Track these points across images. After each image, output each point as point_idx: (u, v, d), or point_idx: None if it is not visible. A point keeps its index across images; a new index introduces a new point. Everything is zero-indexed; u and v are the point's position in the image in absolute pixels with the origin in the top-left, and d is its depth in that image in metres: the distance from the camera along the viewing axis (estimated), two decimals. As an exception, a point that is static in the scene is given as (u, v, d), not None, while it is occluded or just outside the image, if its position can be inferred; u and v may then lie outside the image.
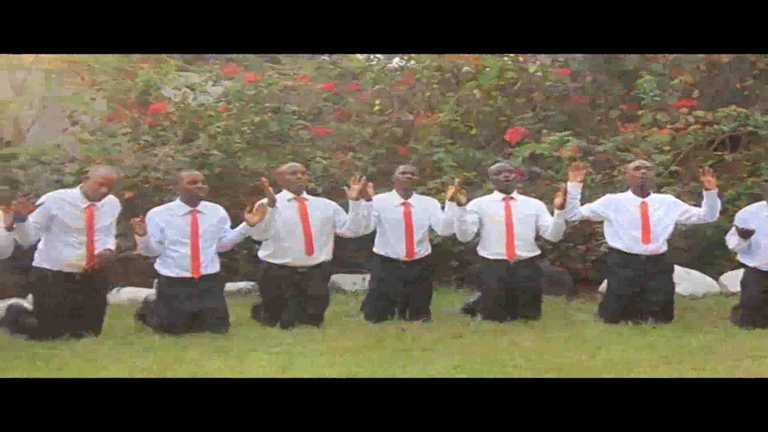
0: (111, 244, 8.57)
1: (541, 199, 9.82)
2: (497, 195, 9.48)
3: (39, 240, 8.41)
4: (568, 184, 9.18)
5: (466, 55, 12.57)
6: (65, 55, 12.17)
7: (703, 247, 11.51)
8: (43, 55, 12.23)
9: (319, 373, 6.95)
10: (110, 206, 8.59)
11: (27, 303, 8.86)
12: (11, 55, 12.16)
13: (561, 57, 13.07)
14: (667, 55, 12.27)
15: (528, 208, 9.45)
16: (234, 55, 13.08)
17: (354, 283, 11.12)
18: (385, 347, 7.95)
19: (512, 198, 9.42)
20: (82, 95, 12.47)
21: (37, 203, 8.26)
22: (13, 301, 9.05)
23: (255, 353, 7.67)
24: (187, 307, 8.58)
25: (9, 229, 8.05)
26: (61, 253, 8.32)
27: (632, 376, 6.88)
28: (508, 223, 9.29)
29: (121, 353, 7.72)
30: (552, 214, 9.28)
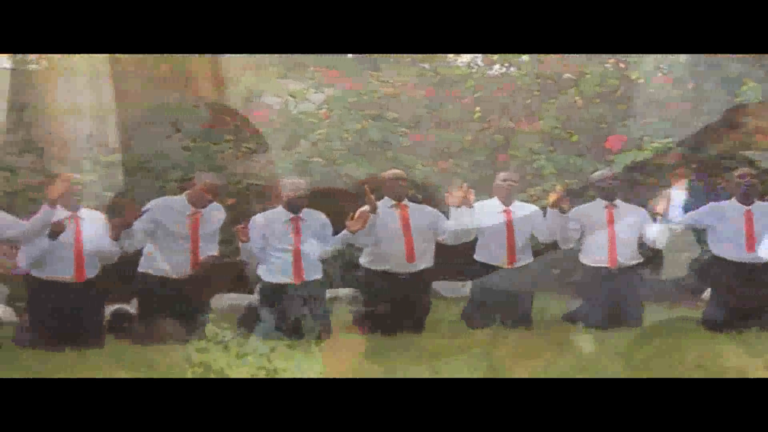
0: (215, 250, 8.67)
1: (643, 206, 9.74)
2: (599, 202, 9.43)
3: (144, 246, 8.54)
4: (671, 191, 9.10)
5: (566, 63, 12.57)
6: (167, 59, 12.29)
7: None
8: (147, 61, 12.37)
9: (421, 375, 6.97)
10: (215, 213, 8.69)
11: (131, 308, 8.99)
12: (113, 59, 12.29)
13: (663, 64, 12.96)
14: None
15: (630, 216, 9.38)
16: (335, 61, 13.14)
17: (454, 290, 11.11)
18: (488, 354, 7.94)
19: (614, 205, 9.37)
20: (184, 102, 12.61)
21: (143, 210, 8.39)
22: (118, 306, 9.17)
23: (356, 359, 7.70)
24: (290, 313, 8.63)
25: (115, 238, 8.21)
26: (166, 259, 8.43)
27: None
28: (610, 230, 9.23)
29: (222, 358, 7.79)
30: (654, 221, 9.22)
